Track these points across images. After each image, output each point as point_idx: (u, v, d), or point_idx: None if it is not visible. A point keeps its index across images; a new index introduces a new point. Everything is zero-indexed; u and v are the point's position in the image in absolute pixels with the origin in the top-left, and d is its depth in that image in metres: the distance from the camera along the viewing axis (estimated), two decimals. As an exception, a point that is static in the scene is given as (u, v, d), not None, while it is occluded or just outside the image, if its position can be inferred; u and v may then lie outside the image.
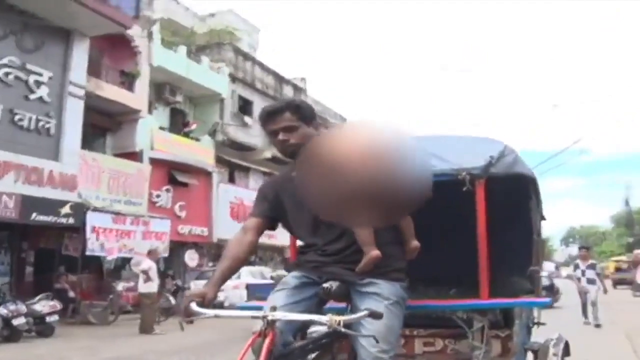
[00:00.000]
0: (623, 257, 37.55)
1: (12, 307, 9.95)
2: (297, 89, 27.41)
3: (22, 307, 10.10)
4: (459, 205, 3.00)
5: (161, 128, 19.48)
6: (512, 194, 3.17)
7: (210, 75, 21.23)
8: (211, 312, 2.28)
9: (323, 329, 2.24)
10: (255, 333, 2.04)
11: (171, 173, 19.39)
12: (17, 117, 13.31)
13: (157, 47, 18.64)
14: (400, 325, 2.45)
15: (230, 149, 22.56)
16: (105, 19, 14.66)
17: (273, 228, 2.67)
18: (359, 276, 2.40)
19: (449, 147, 3.12)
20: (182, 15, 23.60)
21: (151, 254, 12.23)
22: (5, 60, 13.16)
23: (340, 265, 2.45)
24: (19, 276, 14.31)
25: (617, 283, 30.07)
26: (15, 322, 9.86)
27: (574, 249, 72.32)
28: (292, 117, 2.51)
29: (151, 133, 18.50)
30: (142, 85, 18.00)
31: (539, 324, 3.79)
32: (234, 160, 23.11)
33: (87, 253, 14.62)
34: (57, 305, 10.97)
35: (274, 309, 2.08)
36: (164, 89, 19.90)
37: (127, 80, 17.52)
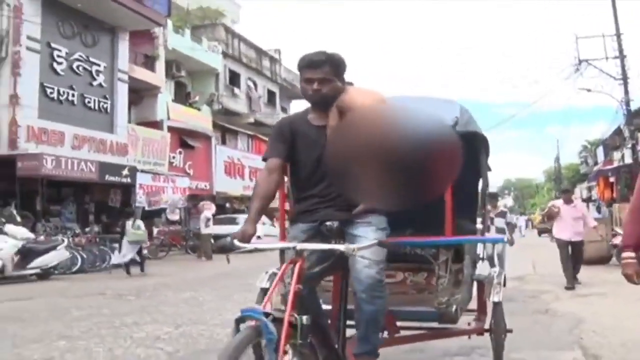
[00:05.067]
0: (546, 210, 41.90)
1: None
2: (273, 60, 31.35)
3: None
4: None
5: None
6: (466, 149, 3.36)
7: (208, 54, 24.98)
8: (250, 245, 2.64)
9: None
10: (287, 262, 2.48)
11: (182, 138, 23.35)
12: (86, 100, 17.04)
13: (170, 32, 22.22)
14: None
15: (222, 115, 26.58)
16: (144, 18, 18.31)
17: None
18: (355, 217, 2.77)
19: (417, 106, 3.19)
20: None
21: (207, 207, 16.57)
22: (76, 55, 16.73)
23: (336, 208, 2.77)
24: (84, 223, 18.18)
25: (541, 232, 35.17)
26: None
27: (509, 200, 77.33)
28: (330, 70, 2.71)
29: (167, 105, 22.35)
30: (160, 65, 21.66)
31: (483, 259, 4.15)
32: (225, 125, 27.15)
33: (137, 205, 18.64)
34: (147, 242, 15.14)
35: (301, 242, 2.54)
36: (171, 65, 23.54)
37: (149, 61, 21.12)
